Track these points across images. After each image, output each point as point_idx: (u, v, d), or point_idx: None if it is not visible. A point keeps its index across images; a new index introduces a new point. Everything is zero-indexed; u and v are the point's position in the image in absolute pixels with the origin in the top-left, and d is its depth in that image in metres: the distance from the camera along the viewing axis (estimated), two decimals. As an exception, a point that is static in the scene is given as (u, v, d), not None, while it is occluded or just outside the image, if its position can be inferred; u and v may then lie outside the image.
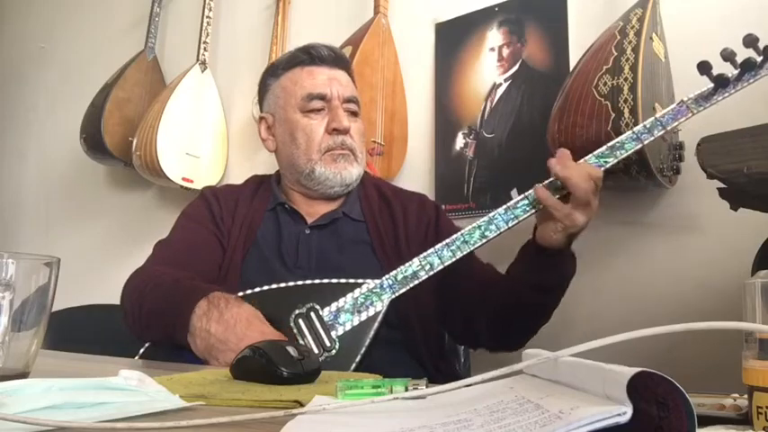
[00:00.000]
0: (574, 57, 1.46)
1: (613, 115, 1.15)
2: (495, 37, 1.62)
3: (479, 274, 1.13)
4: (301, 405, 0.47)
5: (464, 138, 1.62)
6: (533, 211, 0.98)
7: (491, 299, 1.09)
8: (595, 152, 0.99)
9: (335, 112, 1.18)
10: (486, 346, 1.19)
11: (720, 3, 1.32)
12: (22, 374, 0.56)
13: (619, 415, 0.30)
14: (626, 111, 1.14)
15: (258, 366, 0.62)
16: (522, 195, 1.00)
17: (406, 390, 0.48)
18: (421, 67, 1.74)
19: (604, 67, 1.19)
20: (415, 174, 1.69)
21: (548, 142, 1.27)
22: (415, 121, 1.72)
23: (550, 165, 0.96)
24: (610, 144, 0.99)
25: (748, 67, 0.94)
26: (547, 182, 0.98)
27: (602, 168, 0.98)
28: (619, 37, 1.22)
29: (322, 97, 1.18)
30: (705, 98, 0.98)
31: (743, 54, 0.94)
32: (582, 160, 0.99)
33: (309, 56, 1.21)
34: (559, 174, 0.94)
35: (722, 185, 0.81)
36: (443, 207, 1.44)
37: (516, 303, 1.05)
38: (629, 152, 0.98)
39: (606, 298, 1.34)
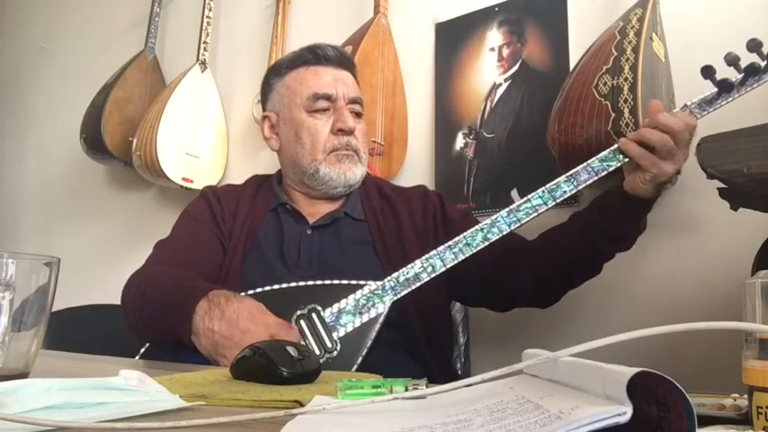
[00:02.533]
0: (574, 57, 1.46)
1: (613, 115, 1.15)
2: (495, 37, 1.62)
3: (505, 242, 1.10)
4: (301, 405, 0.47)
5: (464, 138, 1.62)
6: (620, 164, 0.98)
7: (545, 255, 1.09)
8: (599, 155, 0.99)
9: (341, 112, 1.18)
10: (526, 304, 1.19)
11: (721, 3, 1.32)
12: (22, 374, 0.56)
13: (619, 415, 0.30)
14: (626, 111, 1.14)
15: (258, 366, 0.62)
16: (525, 198, 1.00)
17: (406, 390, 0.48)
18: (421, 67, 1.74)
19: (604, 67, 1.19)
20: (415, 174, 1.69)
21: (548, 142, 1.27)
22: (415, 121, 1.72)
23: (648, 121, 0.96)
24: (614, 147, 1.00)
25: (752, 72, 0.94)
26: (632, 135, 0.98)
27: (607, 171, 0.98)
28: (619, 37, 1.22)
29: (327, 97, 1.18)
30: (708, 102, 0.98)
31: (746, 58, 0.94)
32: (585, 164, 0.99)
33: (315, 55, 1.21)
34: (663, 122, 0.94)
35: (722, 185, 0.81)
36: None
37: (587, 253, 1.05)
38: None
39: (606, 298, 1.34)
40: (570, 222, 1.10)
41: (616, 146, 1.00)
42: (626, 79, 1.16)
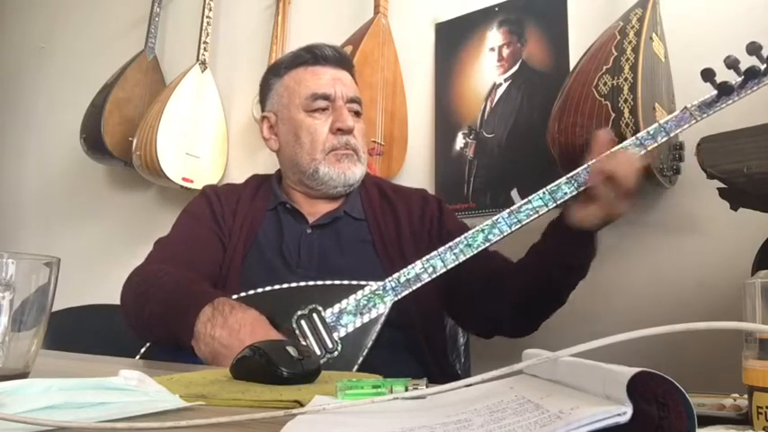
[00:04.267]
0: (574, 57, 1.46)
1: (613, 115, 1.15)
2: (495, 37, 1.62)
3: (494, 264, 1.12)
4: (301, 405, 0.47)
5: (464, 138, 1.62)
6: (573, 193, 0.98)
7: (514, 284, 1.08)
8: (598, 158, 0.99)
9: (340, 111, 1.18)
10: (505, 333, 1.18)
11: (720, 3, 1.32)
12: (22, 374, 0.56)
13: (619, 415, 0.30)
14: (626, 111, 1.14)
15: (258, 366, 0.62)
16: (526, 200, 1.00)
17: (406, 390, 0.48)
18: (421, 67, 1.74)
19: (604, 67, 1.19)
20: (415, 174, 1.69)
21: (548, 142, 1.27)
22: (415, 121, 1.72)
23: (597, 166, 0.96)
24: (613, 150, 0.99)
25: (752, 75, 0.94)
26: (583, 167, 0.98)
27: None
28: (619, 37, 1.22)
29: (326, 97, 1.18)
30: (708, 105, 0.98)
31: (746, 61, 0.95)
32: (585, 165, 0.99)
33: (313, 55, 1.21)
34: (607, 169, 0.94)
35: (722, 185, 0.81)
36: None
37: (544, 283, 1.04)
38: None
39: (606, 298, 1.34)
40: (528, 255, 1.09)
41: (616, 147, 0.99)
42: (626, 79, 1.16)
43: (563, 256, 1.02)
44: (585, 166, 0.99)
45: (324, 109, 1.18)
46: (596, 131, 1.01)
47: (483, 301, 1.13)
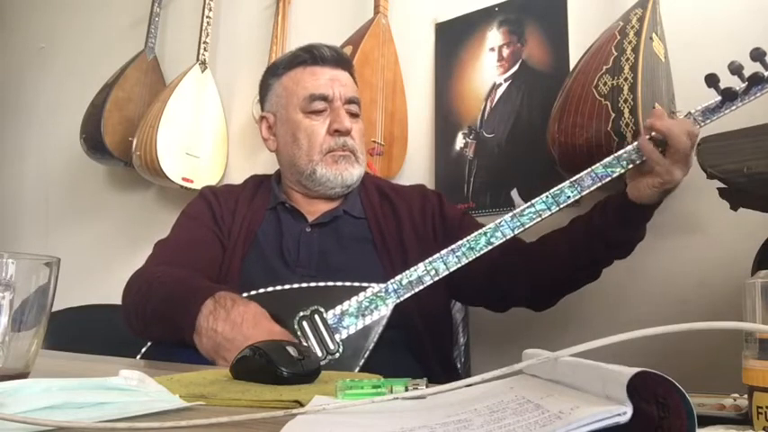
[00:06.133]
0: (574, 57, 1.46)
1: (613, 115, 1.15)
2: (495, 37, 1.62)
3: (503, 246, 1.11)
4: (301, 405, 0.48)
5: (464, 138, 1.62)
6: (623, 171, 0.98)
7: (538, 260, 1.09)
8: (602, 161, 1.00)
9: (337, 113, 1.18)
10: (526, 306, 1.19)
11: (721, 3, 1.32)
12: (22, 374, 0.56)
13: (619, 415, 0.30)
14: (626, 111, 1.14)
15: (258, 366, 0.62)
16: (529, 203, 1.00)
17: (406, 390, 0.48)
18: (421, 67, 1.74)
19: (604, 67, 1.19)
20: (415, 174, 1.69)
21: (548, 142, 1.27)
22: (415, 121, 1.72)
23: (648, 122, 0.96)
24: (617, 154, 1.00)
25: (756, 81, 0.94)
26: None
27: (611, 178, 0.98)
28: (619, 37, 1.22)
29: (324, 98, 1.18)
30: (712, 111, 0.99)
31: (749, 67, 0.95)
32: (589, 169, 0.99)
33: (311, 56, 1.21)
34: (660, 127, 0.94)
35: (722, 185, 0.81)
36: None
37: (584, 259, 1.05)
38: (636, 162, 0.99)
39: (606, 298, 1.34)
40: (570, 227, 1.09)
41: (620, 152, 0.99)
42: (626, 79, 1.16)
43: (615, 234, 1.01)
44: (590, 169, 0.99)
45: (321, 110, 1.19)
46: (654, 108, 1.00)
47: (495, 279, 1.13)
